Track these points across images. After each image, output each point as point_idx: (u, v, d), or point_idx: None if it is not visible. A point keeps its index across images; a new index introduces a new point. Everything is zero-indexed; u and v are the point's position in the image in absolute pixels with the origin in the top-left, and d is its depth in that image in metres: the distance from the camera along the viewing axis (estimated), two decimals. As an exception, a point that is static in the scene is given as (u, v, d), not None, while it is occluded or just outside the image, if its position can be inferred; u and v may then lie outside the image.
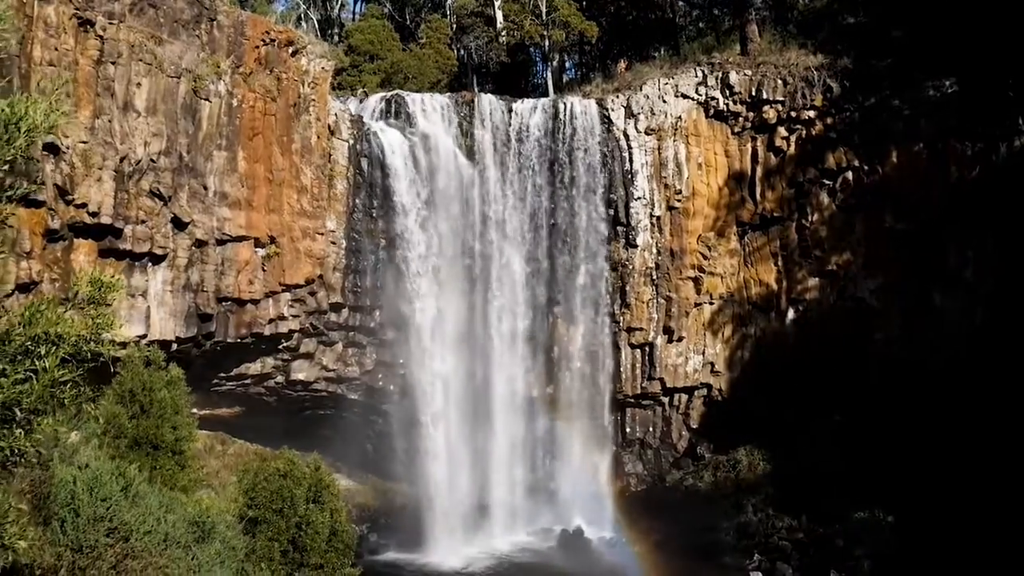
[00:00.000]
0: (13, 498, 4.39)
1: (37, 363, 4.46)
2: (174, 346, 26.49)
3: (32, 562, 6.53)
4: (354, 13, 54.89)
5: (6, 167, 4.41)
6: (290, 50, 29.12)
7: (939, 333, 29.93)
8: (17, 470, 4.57)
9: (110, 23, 24.84)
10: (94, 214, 24.24)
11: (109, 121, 24.87)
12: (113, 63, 24.96)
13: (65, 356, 4.57)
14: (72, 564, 6.80)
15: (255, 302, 28.51)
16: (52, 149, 23.43)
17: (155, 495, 8.75)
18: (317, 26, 47.24)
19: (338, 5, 53.24)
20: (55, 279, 23.48)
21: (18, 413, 4.41)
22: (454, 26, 45.66)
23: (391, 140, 31.05)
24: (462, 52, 46.21)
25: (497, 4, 42.41)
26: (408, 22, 50.43)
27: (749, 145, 33.33)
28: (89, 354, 4.93)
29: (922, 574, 24.03)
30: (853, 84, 31.89)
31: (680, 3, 44.23)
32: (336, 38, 47.78)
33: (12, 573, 6.48)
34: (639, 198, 32.92)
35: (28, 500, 6.44)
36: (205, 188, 27.18)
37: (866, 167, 32.06)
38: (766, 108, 32.67)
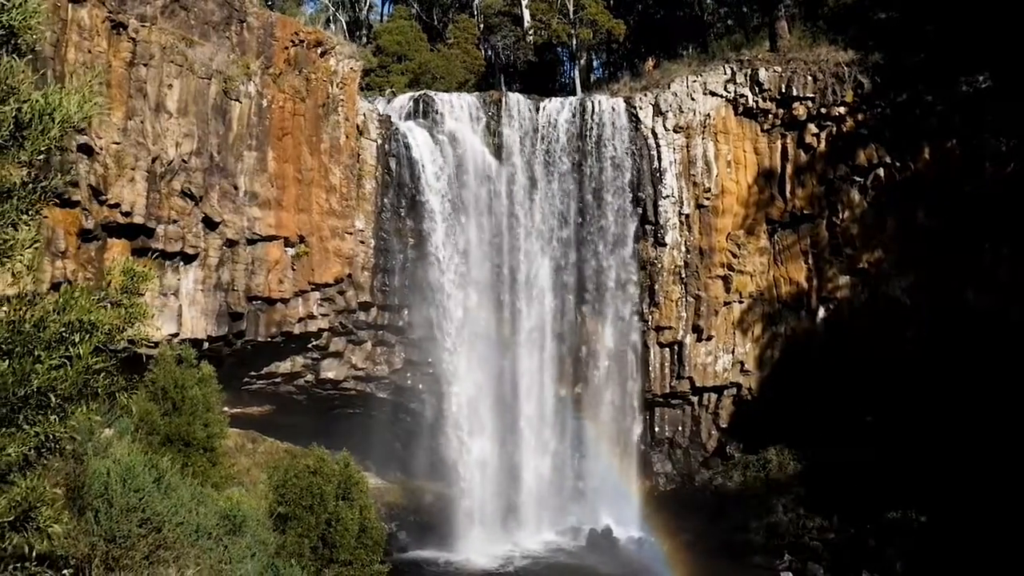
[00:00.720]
0: (48, 483, 4.46)
1: (71, 350, 4.53)
2: (205, 345, 26.78)
3: (67, 552, 6.63)
4: (382, 14, 55.19)
5: (41, 157, 4.49)
6: (319, 51, 29.33)
7: (972, 332, 29.46)
8: (52, 459, 4.64)
9: (142, 25, 25.20)
10: (127, 214, 24.59)
11: (141, 122, 25.21)
12: (145, 65, 25.31)
13: (99, 345, 4.64)
14: (106, 554, 6.90)
15: (285, 301, 28.74)
16: (86, 150, 23.81)
17: (187, 488, 8.87)
18: (345, 28, 47.50)
19: (366, 7, 53.49)
20: (89, 278, 23.81)
21: (53, 399, 4.47)
22: (481, 26, 45.74)
23: (419, 139, 31.16)
24: (489, 52, 46.29)
25: (524, 3, 42.43)
26: (436, 23, 50.58)
27: (779, 142, 33.07)
28: (123, 343, 5.00)
29: (955, 575, 23.72)
30: (884, 80, 31.50)
31: (708, 1, 44.03)
32: (364, 39, 48.02)
33: (47, 561, 6.56)
34: (667, 196, 32.77)
35: (63, 491, 6.54)
36: (235, 188, 27.45)
37: (898, 164, 31.69)
38: (796, 105, 32.40)
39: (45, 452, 4.62)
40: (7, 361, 4.27)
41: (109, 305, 4.69)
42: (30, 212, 4.45)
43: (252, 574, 9.26)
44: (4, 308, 4.41)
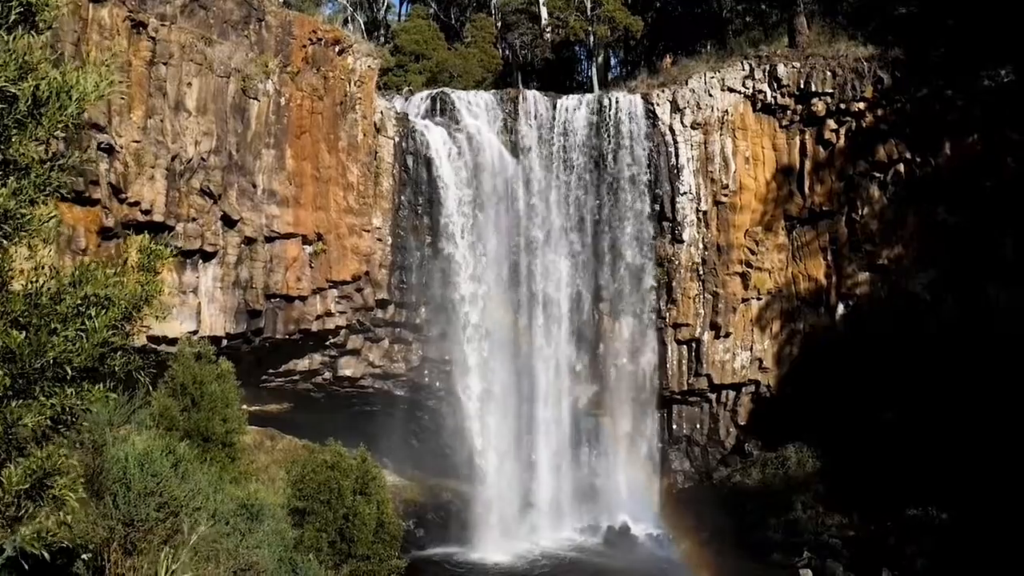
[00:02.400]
0: (63, 453, 4.50)
1: (88, 323, 4.57)
2: (224, 342, 26.93)
3: (86, 536, 6.70)
4: (400, 14, 55.34)
5: (58, 133, 4.53)
6: (337, 49, 29.43)
7: (994, 327, 29.19)
8: (70, 444, 4.68)
9: (162, 25, 25.38)
10: (147, 212, 24.77)
11: (161, 121, 25.40)
12: (165, 64, 25.49)
13: (115, 323, 4.67)
14: (124, 538, 6.96)
15: (303, 299, 28.87)
16: (106, 149, 24.02)
17: (204, 475, 8.93)
18: (363, 28, 47.65)
19: (384, 7, 53.66)
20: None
21: (69, 372, 4.51)
22: (499, 24, 45.76)
23: (436, 137, 31.21)
24: (507, 51, 46.30)
25: (542, 1, 42.40)
26: (453, 21, 50.66)
27: (797, 138, 32.89)
28: (140, 330, 5.03)
29: (978, 573, 23.49)
30: (904, 75, 31.28)
31: (726, -3, 43.83)
32: (382, 39, 48.16)
33: (64, 551, 6.62)
34: (685, 193, 32.66)
35: (81, 471, 6.59)
36: (254, 186, 27.60)
37: (918, 159, 31.45)
38: (815, 101, 32.21)
39: (61, 426, 4.66)
40: (24, 333, 4.31)
41: (125, 281, 4.73)
42: (47, 189, 4.50)
43: (269, 560, 9.31)
44: (21, 281, 4.46)
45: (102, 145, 23.83)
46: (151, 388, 16.06)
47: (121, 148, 24.31)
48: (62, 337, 4.42)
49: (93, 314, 4.56)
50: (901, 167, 31.73)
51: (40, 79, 4.34)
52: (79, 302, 4.52)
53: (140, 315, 4.99)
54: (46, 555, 4.57)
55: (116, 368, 4.89)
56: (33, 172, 4.44)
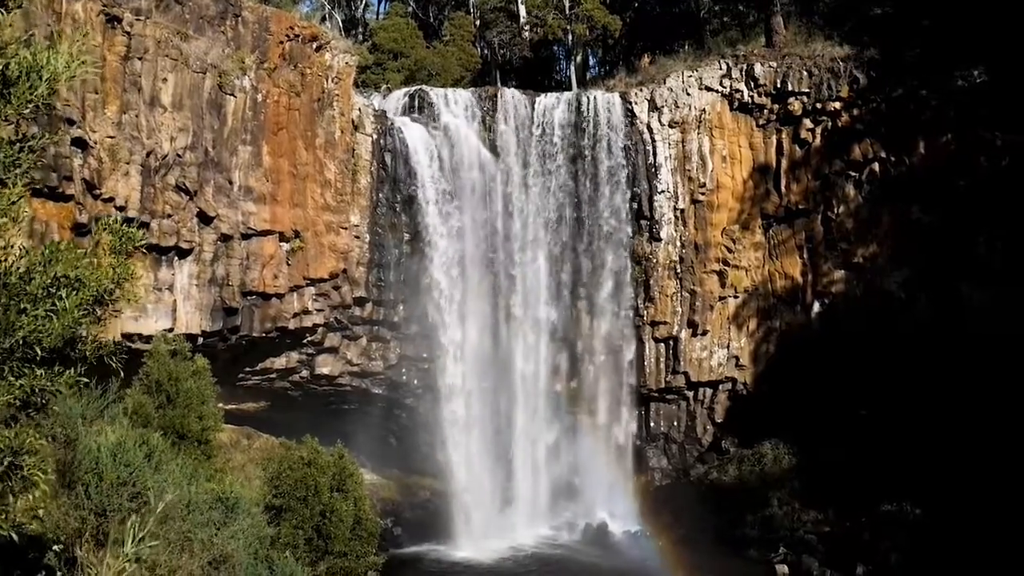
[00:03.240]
0: (33, 434, 4.44)
1: (58, 303, 4.51)
2: (200, 340, 26.72)
3: (57, 527, 6.62)
4: (378, 13, 55.14)
5: (28, 113, 4.47)
6: (314, 45, 29.30)
7: (967, 325, 29.52)
8: (39, 418, 4.63)
9: (137, 19, 25.16)
10: (121, 208, 24.53)
11: (136, 116, 25.17)
12: (140, 59, 25.27)
13: (87, 306, 4.62)
14: (96, 528, 6.88)
15: (280, 296, 28.70)
16: (80, 144, 23.77)
17: (178, 466, 8.85)
18: (341, 26, 47.44)
19: (362, 5, 53.47)
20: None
21: (39, 352, 4.45)
22: (477, 23, 45.72)
23: (414, 135, 31.14)
24: (485, 50, 46.26)
25: (520, -1, 42.44)
26: (432, 20, 50.57)
27: (774, 137, 33.11)
28: (111, 304, 4.98)
29: (950, 568, 23.74)
30: (880, 75, 31.56)
31: (704, -3, 44.02)
32: (360, 38, 47.96)
33: (35, 541, 6.54)
34: (663, 191, 32.79)
35: (53, 468, 6.52)
36: (230, 183, 27.42)
37: (893, 158, 31.75)
38: (791, 100, 32.44)
39: (31, 408, 4.59)
40: (-8, 312, 4.26)
41: (95, 261, 4.68)
42: (17, 170, 4.43)
43: (244, 554, 9.24)
44: (-10, 261, 4.41)
45: (76, 140, 23.59)
46: (126, 383, 15.89)
47: (95, 143, 24.07)
48: (31, 316, 4.36)
49: (63, 295, 4.50)
50: (876, 166, 32.02)
51: (10, 57, 4.29)
52: (49, 282, 4.46)
53: (112, 298, 4.94)
54: (15, 536, 4.51)
55: (87, 353, 4.83)
56: (2, 152, 4.37)
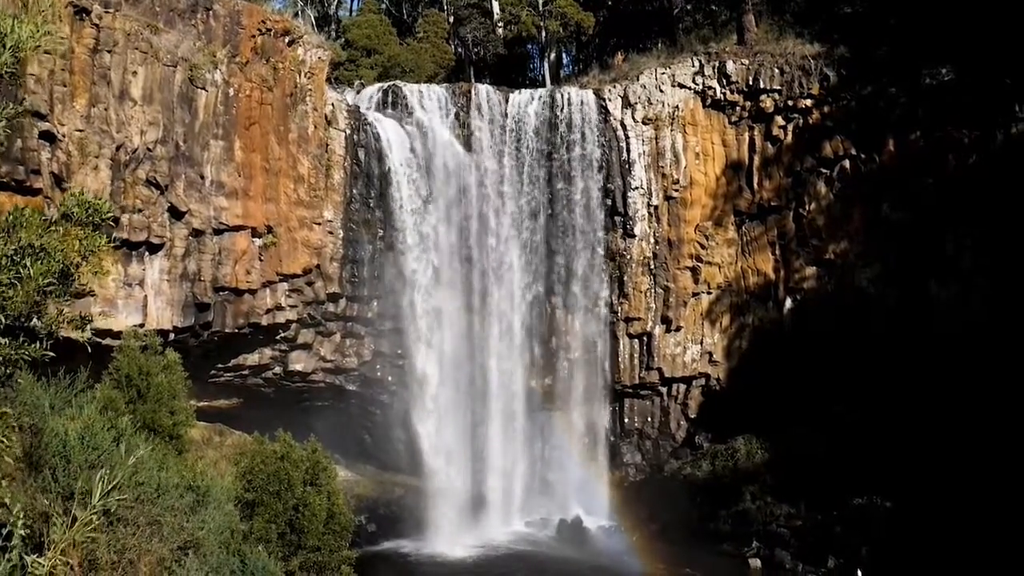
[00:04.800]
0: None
1: (22, 271, 4.43)
2: (172, 335, 26.46)
3: (24, 509, 6.50)
4: (351, 10, 54.91)
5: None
6: (286, 39, 29.12)
7: (936, 322, 29.87)
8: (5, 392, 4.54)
9: (106, 11, 24.87)
10: (90, 202, 24.21)
11: (105, 110, 24.88)
12: (109, 52, 24.98)
13: (52, 275, 4.54)
14: (64, 511, 6.77)
15: (252, 292, 28.49)
16: (48, 137, 23.46)
17: (147, 449, 8.75)
18: (314, 23, 47.16)
19: (335, 2, 53.19)
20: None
21: (3, 320, 4.38)
22: (451, 19, 45.65)
23: (388, 130, 31.04)
24: (459, 47, 46.20)
25: (494, -5, 42.43)
26: (405, 17, 50.43)
27: (746, 134, 33.34)
28: (78, 278, 4.90)
29: (919, 559, 23.99)
30: (850, 73, 31.79)
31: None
32: (333, 35, 47.71)
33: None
34: (636, 188, 32.92)
35: (20, 447, 6.43)
36: (202, 177, 27.17)
37: (863, 156, 32.07)
38: (763, 97, 32.68)
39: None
40: (-45, 278, 4.18)
41: (62, 231, 4.61)
42: (-19, 140, 4.35)
43: (215, 542, 9.16)
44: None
45: (44, 133, 23.28)
46: (96, 378, 15.69)
47: (63, 137, 23.77)
48: (-5, 278, 4.29)
49: (28, 264, 4.43)
50: (847, 163, 32.33)
51: (-27, 26, 4.22)
52: (13, 252, 4.39)
53: (79, 272, 4.87)
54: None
55: (52, 325, 4.76)
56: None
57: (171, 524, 7.87)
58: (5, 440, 4.26)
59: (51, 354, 4.75)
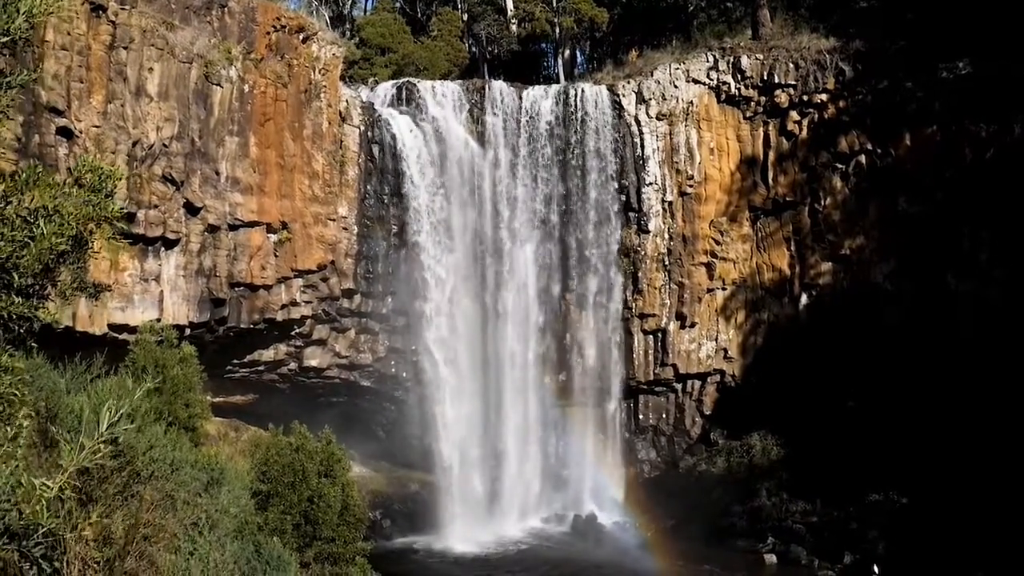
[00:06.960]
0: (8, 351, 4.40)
1: (35, 230, 4.47)
2: (187, 331, 26.58)
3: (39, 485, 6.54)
4: (365, 8, 55.04)
5: (5, 51, 4.43)
6: (301, 36, 29.23)
7: (954, 316, 29.66)
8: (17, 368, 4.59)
9: (122, 8, 25.04)
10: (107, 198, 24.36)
11: (122, 106, 25.06)
12: (125, 48, 25.15)
13: (66, 235, 4.58)
14: (79, 488, 6.83)
15: (267, 288, 28.61)
16: (65, 133, 23.66)
17: (161, 427, 8.79)
18: (329, 22, 47.32)
19: (349, 1, 53.35)
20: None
21: (16, 278, 4.42)
22: (465, 17, 45.72)
23: (402, 126, 31.08)
24: (473, 45, 46.26)
25: (508, -8, 42.45)
26: (419, 15, 50.49)
27: (761, 130, 33.20)
28: (91, 245, 4.94)
29: (936, 555, 23.84)
30: (866, 67, 31.70)
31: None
32: (348, 34, 47.86)
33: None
34: (651, 184, 32.84)
35: (35, 425, 6.47)
36: (217, 173, 27.32)
37: (879, 150, 31.86)
38: (778, 92, 32.54)
39: (10, 334, 4.55)
40: (-32, 233, 4.22)
41: (74, 192, 4.65)
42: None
43: (230, 522, 9.20)
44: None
45: (61, 129, 23.47)
46: (112, 371, 15.80)
47: (80, 133, 23.96)
48: (8, 241, 4.32)
49: (41, 223, 4.46)
50: (862, 158, 32.13)
51: (-15, -9, 4.26)
52: (27, 213, 4.43)
53: (92, 238, 4.90)
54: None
55: (65, 287, 4.79)
56: (-20, 84, 4.35)
57: (184, 499, 7.92)
58: (17, 392, 4.29)
59: (66, 325, 4.76)
